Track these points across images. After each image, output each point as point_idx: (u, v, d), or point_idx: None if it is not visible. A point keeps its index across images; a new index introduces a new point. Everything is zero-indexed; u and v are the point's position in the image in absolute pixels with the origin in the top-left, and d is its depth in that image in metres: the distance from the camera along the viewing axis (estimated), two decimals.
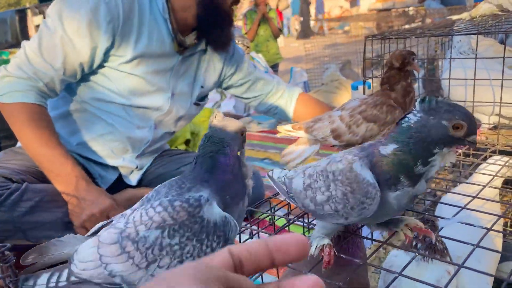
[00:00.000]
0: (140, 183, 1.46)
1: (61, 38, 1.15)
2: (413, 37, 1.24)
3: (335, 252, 0.61)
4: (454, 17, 1.55)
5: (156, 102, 1.34)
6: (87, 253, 0.55)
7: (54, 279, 0.55)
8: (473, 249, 0.60)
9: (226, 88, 1.62)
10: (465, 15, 1.50)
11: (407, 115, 0.56)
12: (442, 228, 0.81)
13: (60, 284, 0.55)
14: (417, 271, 0.74)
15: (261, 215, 0.89)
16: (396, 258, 0.90)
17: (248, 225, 0.79)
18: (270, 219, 0.83)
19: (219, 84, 1.57)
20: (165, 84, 1.35)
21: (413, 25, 3.76)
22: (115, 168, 1.39)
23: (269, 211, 0.83)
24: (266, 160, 2.16)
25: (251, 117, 3.04)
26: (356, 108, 1.00)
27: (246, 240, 0.83)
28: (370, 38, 1.31)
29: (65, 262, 0.58)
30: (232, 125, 0.61)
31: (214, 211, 0.55)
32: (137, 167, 1.42)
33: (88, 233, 0.61)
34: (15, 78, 1.15)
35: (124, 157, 1.38)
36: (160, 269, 0.53)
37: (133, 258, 0.53)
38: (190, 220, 0.53)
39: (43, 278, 0.55)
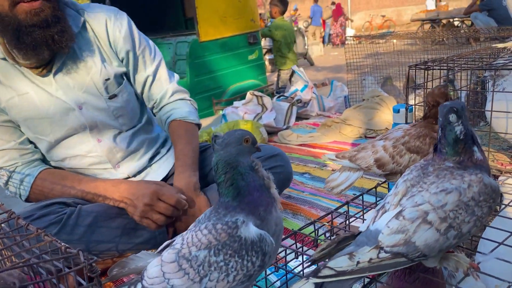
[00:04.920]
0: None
1: None
2: (456, 68, 1.27)
3: None
4: (500, 45, 1.55)
5: (72, 123, 1.29)
6: (153, 270, 0.66)
7: None
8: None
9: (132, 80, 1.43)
10: (510, 44, 1.50)
11: (452, 130, 0.73)
12: (479, 262, 0.84)
13: None
14: None
15: (305, 237, 0.97)
16: None
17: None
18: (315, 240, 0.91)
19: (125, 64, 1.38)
20: (63, 105, 1.27)
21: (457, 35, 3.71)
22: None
23: (313, 233, 0.91)
24: (306, 174, 2.21)
25: (290, 129, 3.07)
26: (399, 139, 1.06)
27: (292, 260, 0.92)
28: (414, 68, 1.35)
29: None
30: (232, 139, 0.65)
31: (250, 230, 0.64)
32: (129, 176, 1.40)
33: (157, 251, 0.73)
34: (7, 177, 1.28)
35: (110, 172, 1.38)
36: (211, 282, 0.63)
37: (188, 274, 0.63)
38: (230, 240, 0.63)
39: None
